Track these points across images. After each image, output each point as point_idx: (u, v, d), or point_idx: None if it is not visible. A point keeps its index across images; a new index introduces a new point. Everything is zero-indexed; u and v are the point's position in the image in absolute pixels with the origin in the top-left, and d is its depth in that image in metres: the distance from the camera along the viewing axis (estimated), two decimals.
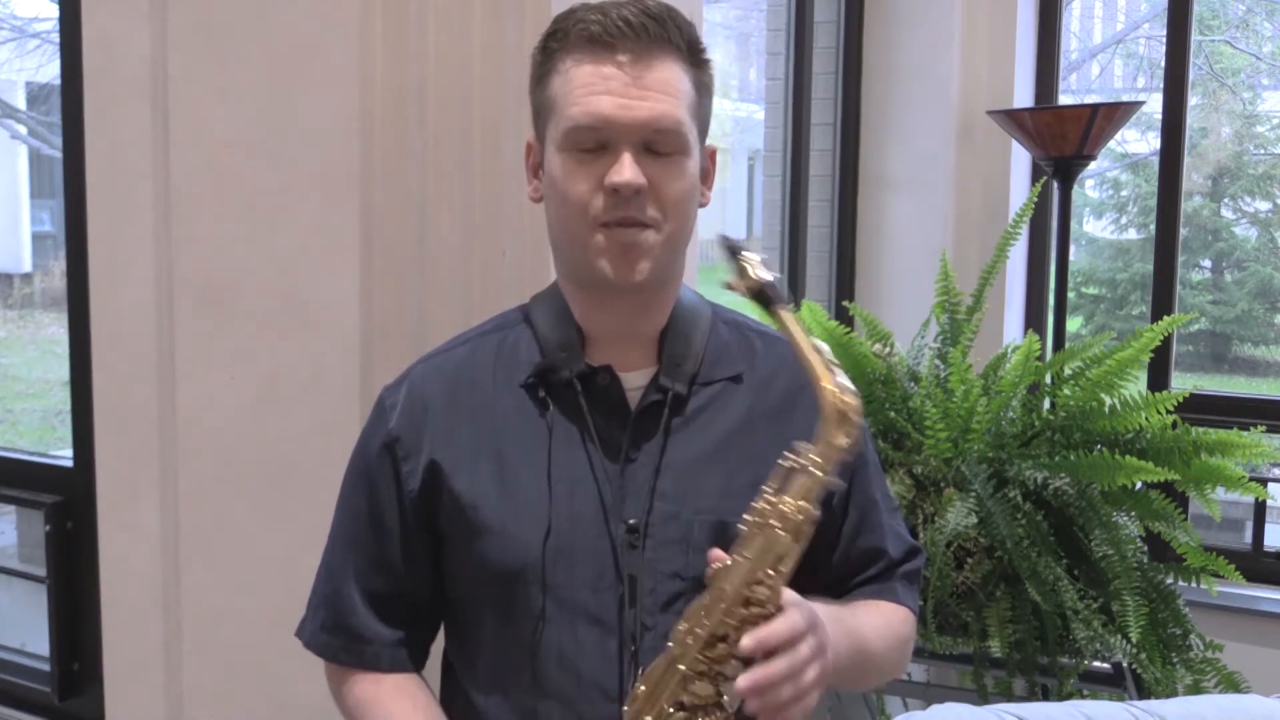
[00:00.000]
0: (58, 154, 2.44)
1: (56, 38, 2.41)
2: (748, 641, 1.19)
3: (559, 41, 1.35)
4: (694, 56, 1.35)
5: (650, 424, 1.38)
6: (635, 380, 1.40)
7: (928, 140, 3.67)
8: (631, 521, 1.35)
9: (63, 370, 2.52)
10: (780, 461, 1.23)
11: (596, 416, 1.38)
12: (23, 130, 10.21)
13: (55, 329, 9.64)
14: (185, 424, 2.09)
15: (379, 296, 1.96)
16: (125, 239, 2.12)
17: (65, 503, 2.54)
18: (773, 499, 1.22)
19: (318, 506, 1.98)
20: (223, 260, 2.04)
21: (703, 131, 1.39)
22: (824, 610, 1.30)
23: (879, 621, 1.46)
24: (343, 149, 1.93)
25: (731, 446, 1.40)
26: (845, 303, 3.22)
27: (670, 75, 1.32)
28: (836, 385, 1.22)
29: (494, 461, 1.38)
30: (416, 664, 1.48)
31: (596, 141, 1.31)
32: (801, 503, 1.21)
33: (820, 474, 1.22)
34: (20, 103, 9.82)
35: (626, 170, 1.29)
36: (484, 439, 1.39)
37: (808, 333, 1.26)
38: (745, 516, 1.23)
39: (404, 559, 1.43)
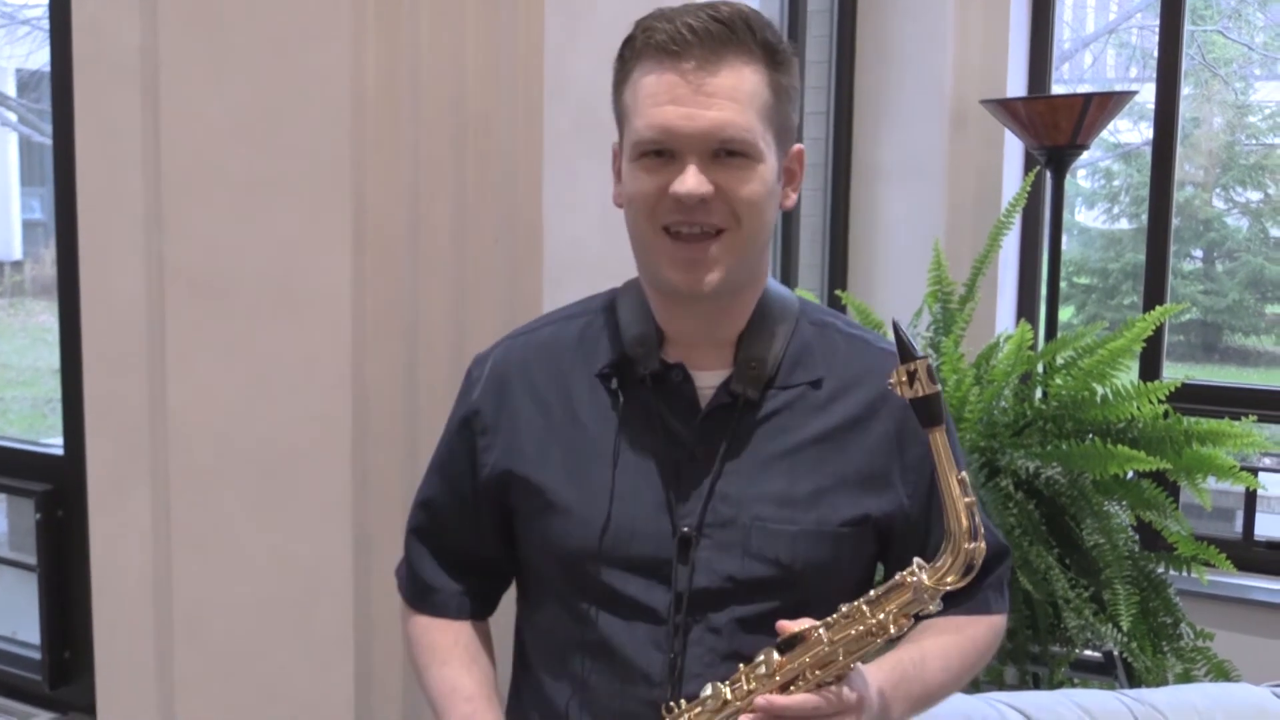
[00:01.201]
0: (48, 141, 2.43)
1: (46, 24, 2.40)
2: (760, 700, 1.23)
3: (631, 50, 1.34)
4: (770, 57, 1.32)
5: (719, 425, 1.38)
6: (709, 380, 1.40)
7: (921, 129, 3.67)
8: (688, 523, 1.36)
9: (53, 358, 2.52)
10: (899, 575, 1.24)
11: (667, 413, 1.39)
12: (13, 118, 10.17)
13: (46, 317, 9.61)
14: (176, 413, 2.09)
15: (371, 286, 1.95)
16: (115, 227, 2.11)
17: (56, 491, 2.53)
18: (875, 605, 1.24)
19: (309, 496, 1.98)
20: (214, 249, 2.04)
21: (784, 133, 1.36)
22: (890, 676, 1.33)
23: (953, 656, 1.43)
24: (335, 137, 1.92)
25: (799, 455, 1.39)
26: (838, 291, 3.22)
27: (739, 80, 1.29)
28: (969, 531, 1.21)
29: (563, 446, 1.41)
30: (483, 610, 1.56)
31: (663, 149, 1.30)
32: (902, 621, 1.23)
33: (926, 600, 1.23)
34: (10, 90, 9.77)
35: (690, 180, 1.28)
36: (557, 423, 1.42)
37: (954, 466, 1.22)
38: (842, 606, 1.25)
39: (474, 524, 1.50)
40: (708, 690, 1.28)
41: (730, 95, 1.29)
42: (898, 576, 1.25)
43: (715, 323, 1.40)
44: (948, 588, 1.23)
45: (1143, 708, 1.74)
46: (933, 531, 1.40)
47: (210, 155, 2.02)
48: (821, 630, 1.25)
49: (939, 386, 1.23)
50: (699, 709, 1.28)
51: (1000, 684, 2.49)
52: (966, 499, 1.21)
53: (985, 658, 1.49)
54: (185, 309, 2.07)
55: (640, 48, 1.32)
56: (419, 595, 1.54)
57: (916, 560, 1.24)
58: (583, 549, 1.38)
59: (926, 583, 1.22)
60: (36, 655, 2.59)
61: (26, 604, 2.63)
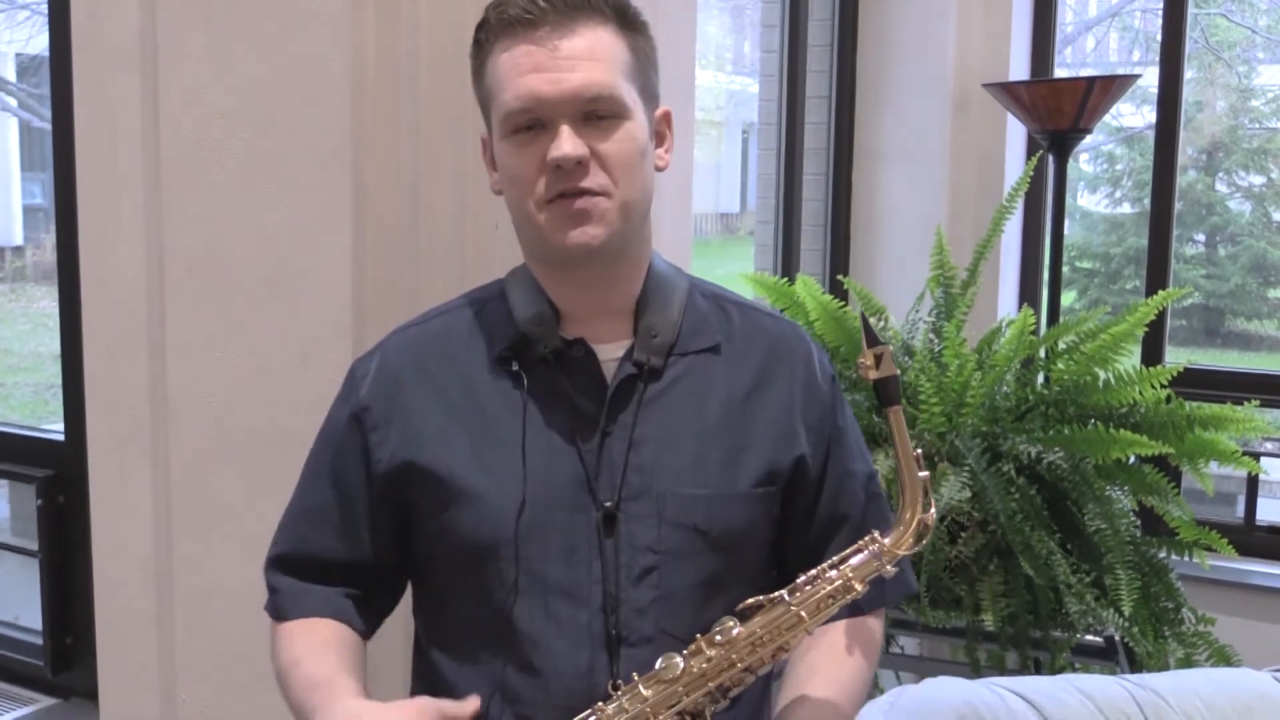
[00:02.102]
0: (48, 126, 2.42)
1: (45, 9, 2.39)
2: None
3: (485, 32, 1.35)
4: (623, 19, 1.34)
5: (626, 397, 1.38)
6: (611, 353, 1.39)
7: (923, 113, 3.66)
8: (606, 497, 1.35)
9: (54, 344, 2.52)
10: (860, 541, 1.33)
11: (572, 390, 1.38)
12: (13, 103, 10.16)
13: (47, 302, 9.62)
14: (176, 398, 2.09)
15: (371, 270, 1.95)
16: (115, 212, 2.11)
17: (57, 476, 2.54)
18: (836, 568, 1.31)
19: None
20: (213, 233, 2.03)
21: (648, 94, 1.38)
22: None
23: (855, 674, 1.43)
24: (334, 122, 1.92)
25: (707, 419, 1.39)
26: (840, 276, 3.22)
27: (596, 42, 1.31)
28: (924, 503, 1.31)
29: (468, 434, 1.38)
30: (369, 625, 1.47)
31: (534, 121, 1.31)
32: (860, 585, 1.31)
33: (885, 565, 1.31)
34: (10, 75, 9.77)
35: (565, 144, 1.29)
36: (458, 411, 1.39)
37: (911, 441, 1.33)
38: (804, 574, 1.31)
39: (369, 530, 1.43)
40: (663, 662, 1.27)
41: (589, 56, 1.30)
42: (858, 543, 1.33)
43: (609, 292, 1.40)
44: (905, 552, 1.31)
45: (1144, 692, 1.74)
46: (824, 497, 1.45)
47: (210, 139, 2.01)
48: (785, 594, 1.30)
49: (898, 371, 1.34)
50: (654, 683, 1.27)
51: (1002, 669, 2.49)
52: (921, 474, 1.31)
53: (875, 659, 1.50)
54: (185, 294, 2.06)
55: (495, 26, 1.33)
56: (289, 604, 1.43)
57: (874, 531, 1.33)
58: (497, 535, 1.34)
59: (886, 545, 1.31)
60: (38, 641, 2.59)
61: (28, 589, 2.63)
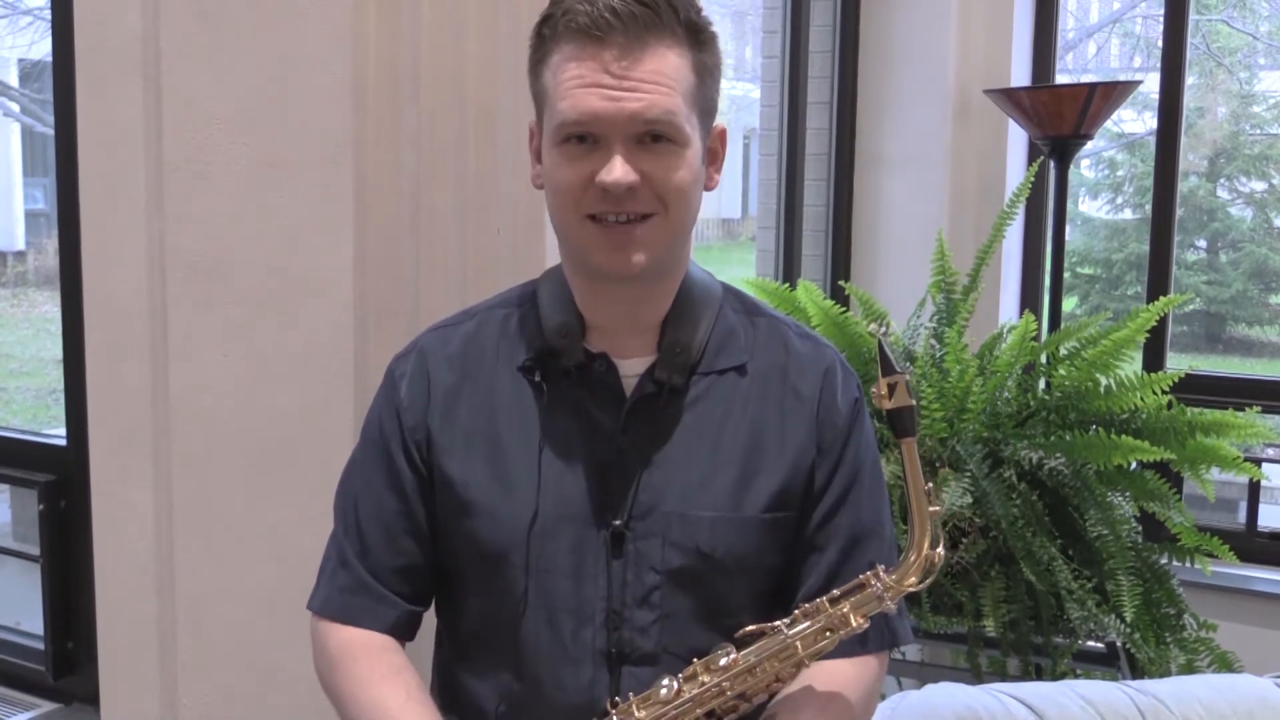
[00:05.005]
0: (51, 132, 2.43)
1: (49, 15, 2.40)
2: None
3: (550, 29, 1.30)
4: (694, 38, 1.30)
5: (644, 414, 1.37)
6: (633, 368, 1.38)
7: (924, 119, 3.66)
8: (616, 515, 1.34)
9: (57, 348, 2.52)
10: (862, 575, 1.28)
11: (591, 404, 1.37)
12: (15, 108, 10.18)
13: (49, 307, 9.63)
14: (178, 402, 2.09)
15: (373, 274, 1.95)
16: (118, 216, 2.11)
17: (59, 481, 2.54)
18: (837, 602, 1.28)
19: (311, 484, 1.98)
20: (215, 237, 2.03)
21: (707, 114, 1.34)
22: None
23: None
24: (336, 125, 1.92)
25: (723, 440, 1.37)
26: (841, 282, 3.22)
27: (663, 65, 1.26)
28: (931, 539, 1.26)
29: (487, 442, 1.38)
30: (413, 634, 1.47)
31: (587, 134, 1.27)
32: (859, 620, 1.27)
33: (886, 601, 1.27)
34: (13, 80, 9.78)
35: (616, 170, 1.25)
36: (480, 418, 1.39)
37: (923, 473, 1.28)
38: (804, 605, 1.29)
39: (427, 520, 1.41)
40: (661, 684, 1.27)
41: (654, 80, 1.25)
42: (860, 577, 1.28)
43: (639, 308, 1.38)
44: (908, 589, 1.27)
45: (1146, 699, 1.74)
46: (811, 521, 1.40)
47: (212, 144, 2.02)
48: (782, 624, 1.27)
49: (914, 401, 1.28)
50: (647, 704, 1.27)
51: (1003, 675, 2.48)
52: (932, 508, 1.27)
53: (872, 704, 1.44)
54: (187, 298, 2.07)
55: (560, 29, 1.27)
56: (366, 609, 1.40)
57: (879, 565, 1.29)
58: (509, 545, 1.34)
59: (889, 582, 1.27)
60: (40, 646, 2.60)
61: (30, 594, 2.63)
